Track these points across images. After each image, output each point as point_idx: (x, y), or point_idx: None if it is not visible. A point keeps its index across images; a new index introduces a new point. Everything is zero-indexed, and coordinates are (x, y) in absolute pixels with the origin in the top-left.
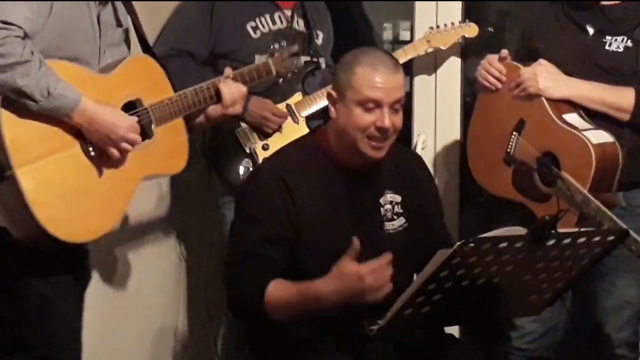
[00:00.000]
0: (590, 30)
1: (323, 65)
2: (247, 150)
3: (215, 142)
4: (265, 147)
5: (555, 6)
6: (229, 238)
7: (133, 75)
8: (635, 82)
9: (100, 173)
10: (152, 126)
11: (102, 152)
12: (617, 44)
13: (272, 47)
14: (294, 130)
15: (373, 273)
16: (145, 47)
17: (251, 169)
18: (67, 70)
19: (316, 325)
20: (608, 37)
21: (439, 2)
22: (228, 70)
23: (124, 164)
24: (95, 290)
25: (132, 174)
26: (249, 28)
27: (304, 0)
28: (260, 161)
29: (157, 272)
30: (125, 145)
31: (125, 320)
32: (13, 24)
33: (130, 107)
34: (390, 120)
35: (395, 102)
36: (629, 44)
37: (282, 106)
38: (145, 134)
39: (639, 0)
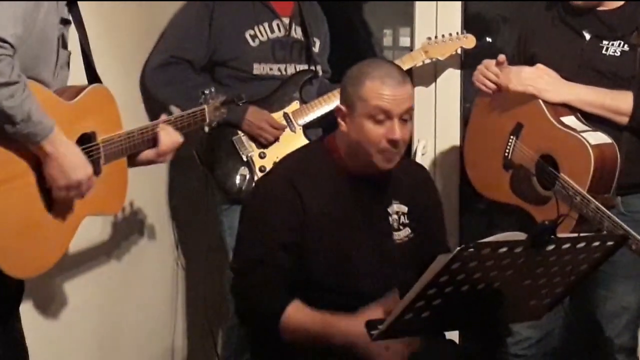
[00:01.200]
0: (587, 35)
1: (320, 73)
2: (244, 158)
3: (212, 149)
4: (262, 155)
5: (551, 12)
6: (237, 244)
7: (92, 106)
8: (633, 85)
9: (48, 208)
10: (101, 162)
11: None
12: (614, 48)
13: (204, 92)
14: (291, 139)
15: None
16: (93, 76)
17: (248, 176)
18: (40, 93)
19: None
20: (605, 42)
21: (438, 7)
22: (164, 117)
23: (72, 199)
24: (93, 297)
25: (79, 210)
26: (247, 36)
27: (302, 5)
28: (257, 169)
29: (156, 279)
30: (74, 193)
31: (124, 327)
32: (6, 42)
33: (85, 139)
34: (400, 131)
35: (404, 113)
36: (626, 48)
37: (279, 114)
38: (94, 170)
39: (636, 5)
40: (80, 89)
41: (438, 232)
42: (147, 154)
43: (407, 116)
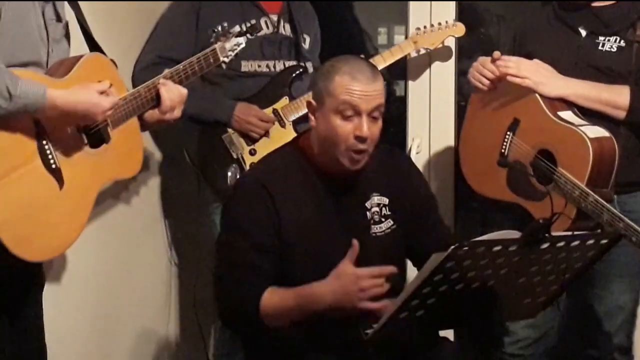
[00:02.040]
0: (583, 32)
1: (310, 70)
2: (235, 156)
3: (202, 148)
4: (252, 152)
5: (546, 9)
6: (217, 250)
7: (89, 76)
8: (629, 81)
9: (61, 186)
10: (109, 129)
11: (64, 162)
12: (610, 44)
13: (215, 30)
14: (282, 135)
15: (370, 278)
16: (93, 44)
17: (239, 174)
18: (26, 76)
19: (311, 330)
20: (601, 38)
21: (433, 5)
22: (167, 72)
23: (83, 173)
24: (86, 296)
25: (92, 181)
26: None
27: (290, 2)
28: (247, 166)
29: (149, 278)
30: (108, 111)
31: (118, 325)
32: None
33: None
34: (368, 128)
35: (373, 110)
36: (622, 43)
37: (269, 111)
38: (103, 138)
39: (631, 0)
40: (74, 61)
41: (429, 216)
42: (152, 114)
43: (376, 113)
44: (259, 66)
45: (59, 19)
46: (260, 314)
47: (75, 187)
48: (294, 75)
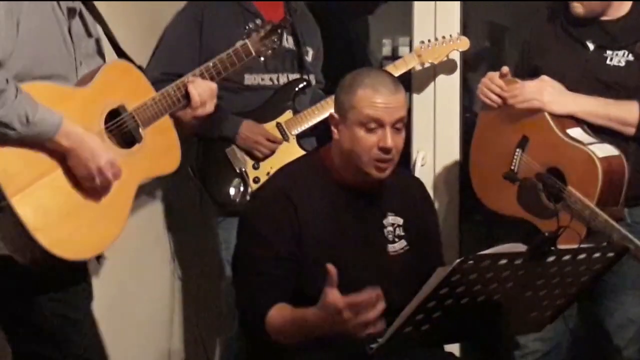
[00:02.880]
0: (591, 46)
1: (313, 83)
2: (238, 170)
3: (206, 161)
4: (255, 167)
5: (554, 23)
6: (235, 256)
7: (112, 82)
8: (638, 96)
9: (91, 189)
10: (140, 129)
11: None
12: (618, 58)
13: (247, 27)
14: (285, 149)
15: (352, 307)
16: (120, 52)
17: (242, 188)
18: (43, 90)
19: (316, 343)
20: (609, 52)
21: (437, 17)
22: (196, 70)
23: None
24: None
25: (128, 180)
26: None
27: (293, 15)
28: (250, 180)
29: (153, 291)
30: (98, 180)
31: (121, 338)
32: None
33: (114, 114)
34: (392, 140)
35: (397, 122)
36: (630, 58)
37: (272, 124)
38: (134, 138)
39: (638, 15)
40: (96, 71)
41: (434, 246)
42: (186, 112)
43: (399, 125)
44: (262, 79)
45: (89, 34)
46: (266, 328)
47: (109, 189)
48: (297, 88)
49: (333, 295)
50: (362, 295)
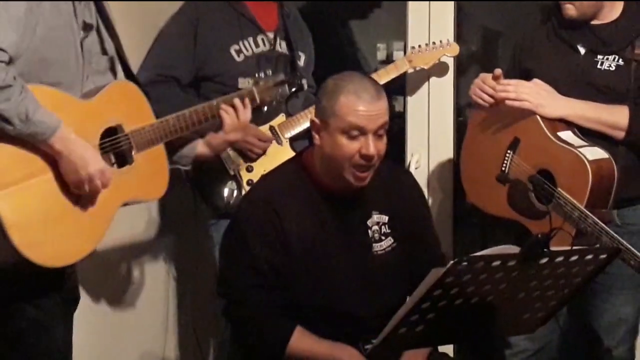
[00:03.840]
0: (582, 50)
1: (306, 87)
2: (231, 173)
3: (199, 165)
4: (249, 169)
5: (545, 26)
6: (224, 270)
7: (115, 101)
8: (628, 100)
9: (78, 198)
10: (133, 152)
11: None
12: (608, 62)
13: (257, 75)
14: (278, 152)
15: None
16: (128, 74)
17: (236, 191)
18: (46, 94)
19: None
20: (600, 56)
21: (431, 21)
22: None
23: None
24: (84, 312)
25: (112, 199)
26: (232, 51)
27: (286, 20)
28: (244, 183)
29: (146, 294)
30: (87, 187)
31: (116, 339)
32: (1, 49)
33: (111, 132)
34: (375, 147)
35: (379, 128)
36: (621, 62)
37: (265, 128)
38: (126, 159)
39: (630, 19)
40: (102, 87)
41: (425, 236)
42: (216, 137)
43: (382, 131)
44: None
45: (104, 52)
46: (287, 352)
47: (94, 202)
48: (290, 92)
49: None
50: None
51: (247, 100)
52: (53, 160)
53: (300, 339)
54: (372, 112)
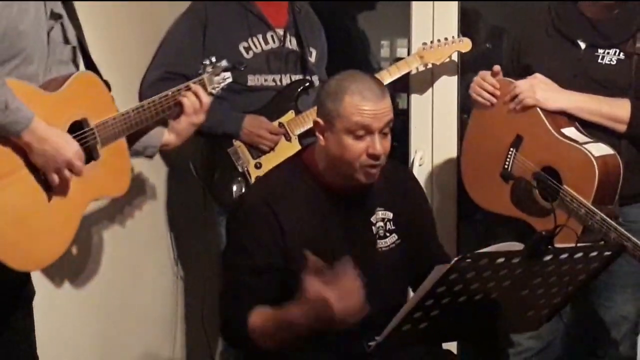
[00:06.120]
0: (582, 45)
1: (316, 83)
2: (240, 169)
3: (208, 161)
4: (258, 166)
5: (545, 20)
6: (222, 267)
7: (79, 93)
8: (630, 93)
9: (49, 198)
10: (98, 147)
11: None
12: (609, 57)
13: (203, 63)
14: (287, 149)
15: (342, 299)
16: (89, 64)
17: (244, 188)
18: (16, 86)
19: (313, 342)
20: (600, 51)
21: (435, 18)
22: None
23: (71, 188)
24: (90, 311)
25: (81, 197)
26: (241, 48)
27: (297, 16)
28: (253, 179)
29: (155, 291)
30: (66, 173)
31: (124, 339)
32: None
33: (76, 127)
34: (381, 145)
35: (384, 126)
36: (622, 56)
37: (275, 125)
38: (92, 155)
39: (630, 12)
40: (65, 78)
41: (428, 235)
42: (179, 121)
43: (387, 129)
44: (266, 80)
45: (66, 41)
46: (249, 334)
47: (64, 200)
48: (300, 89)
49: (314, 283)
50: (347, 285)
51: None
52: (24, 156)
53: (256, 316)
54: (378, 110)
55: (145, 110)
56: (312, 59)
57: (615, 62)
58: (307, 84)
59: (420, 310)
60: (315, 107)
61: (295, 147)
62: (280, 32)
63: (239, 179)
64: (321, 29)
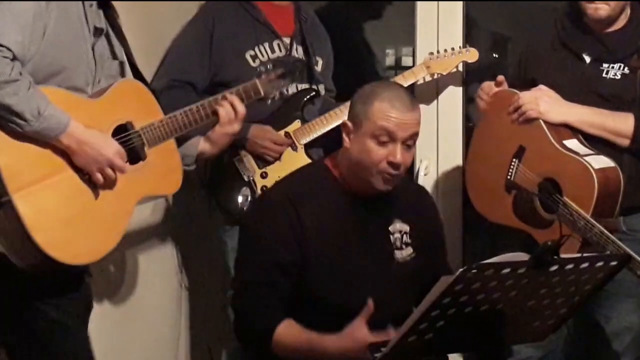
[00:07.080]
0: (587, 59)
1: (322, 93)
2: (246, 179)
3: (214, 171)
4: (263, 176)
5: (550, 34)
6: (236, 264)
7: (123, 99)
8: (634, 108)
9: (96, 195)
10: (145, 148)
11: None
12: (614, 71)
13: (258, 69)
14: (293, 158)
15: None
16: (136, 73)
17: (250, 197)
18: (55, 94)
19: None
20: (605, 65)
21: (440, 26)
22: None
23: (118, 186)
24: (96, 317)
25: (129, 195)
26: (248, 57)
27: (303, 25)
28: (258, 189)
29: (159, 301)
30: (109, 171)
31: (128, 348)
32: (2, 45)
33: (121, 130)
34: (402, 156)
35: (408, 138)
36: (627, 71)
37: (280, 134)
38: (139, 156)
39: (636, 27)
40: (108, 87)
41: (440, 255)
42: (214, 131)
43: (411, 142)
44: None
45: (114, 57)
46: (273, 340)
47: (111, 198)
48: (306, 98)
49: (363, 330)
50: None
51: (241, 95)
52: (68, 157)
53: (286, 330)
54: (404, 120)
55: (194, 112)
56: (318, 68)
57: (619, 76)
58: (314, 93)
59: (426, 321)
60: (322, 117)
61: (301, 156)
62: (287, 40)
63: (245, 188)
64: (327, 38)
